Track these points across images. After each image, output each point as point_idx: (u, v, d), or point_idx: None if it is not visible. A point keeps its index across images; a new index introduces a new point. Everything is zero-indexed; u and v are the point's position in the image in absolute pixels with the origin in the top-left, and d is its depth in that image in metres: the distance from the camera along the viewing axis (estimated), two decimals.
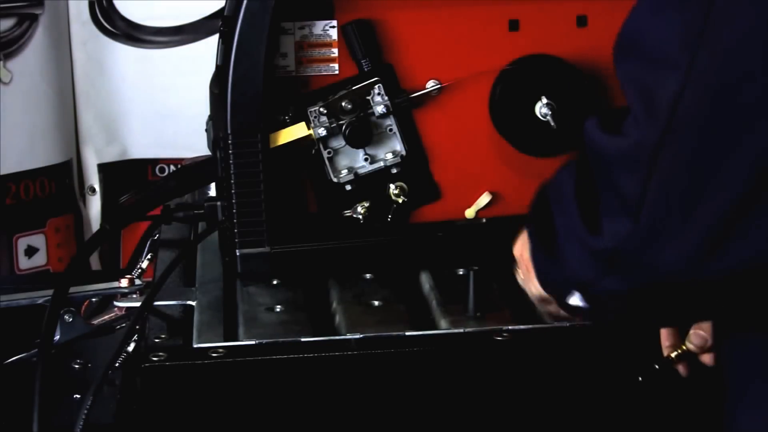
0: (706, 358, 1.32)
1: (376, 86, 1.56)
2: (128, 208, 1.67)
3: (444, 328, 1.44)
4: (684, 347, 1.32)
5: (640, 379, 1.33)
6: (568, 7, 1.58)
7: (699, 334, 1.31)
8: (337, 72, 1.57)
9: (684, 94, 0.99)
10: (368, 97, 1.56)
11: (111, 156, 2.94)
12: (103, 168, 2.93)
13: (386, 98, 1.56)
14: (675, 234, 1.02)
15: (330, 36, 1.56)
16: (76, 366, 1.58)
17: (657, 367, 1.33)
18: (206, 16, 2.82)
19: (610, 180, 1.07)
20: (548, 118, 1.54)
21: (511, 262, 1.34)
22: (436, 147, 1.59)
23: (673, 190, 1.02)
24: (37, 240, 2.80)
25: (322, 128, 1.55)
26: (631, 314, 1.16)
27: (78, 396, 1.51)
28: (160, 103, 2.88)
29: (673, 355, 1.33)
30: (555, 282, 1.19)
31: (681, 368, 1.34)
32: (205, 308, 1.50)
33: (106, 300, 1.71)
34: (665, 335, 1.34)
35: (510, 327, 1.42)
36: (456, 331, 1.42)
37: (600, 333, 1.37)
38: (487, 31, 1.57)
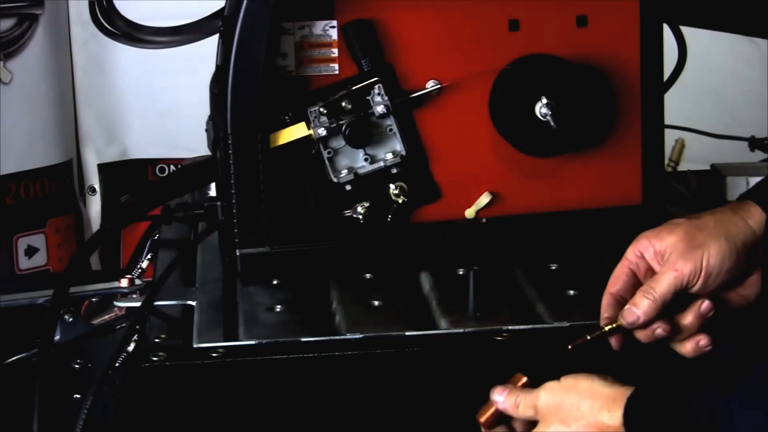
0: (640, 335, 1.32)
1: (376, 86, 1.56)
2: (128, 208, 1.67)
3: (444, 328, 1.44)
4: (617, 322, 1.32)
5: (569, 347, 1.32)
6: (568, 7, 1.58)
7: (632, 311, 1.31)
8: (337, 72, 1.57)
9: None
10: (368, 97, 1.56)
11: (111, 156, 2.94)
12: (103, 168, 2.94)
13: (386, 98, 1.56)
14: None
15: (330, 36, 1.56)
16: (76, 366, 1.58)
17: (588, 338, 1.32)
18: (206, 16, 2.82)
19: None
20: (548, 118, 1.54)
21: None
22: (436, 147, 1.59)
23: None
24: (37, 240, 2.81)
25: (322, 128, 1.55)
26: None
27: (78, 396, 1.51)
28: (160, 103, 2.88)
29: (606, 328, 1.32)
30: None
31: (613, 341, 1.33)
32: (205, 308, 1.50)
33: (106, 300, 1.71)
34: (605, 307, 1.34)
35: (510, 327, 1.42)
36: (456, 331, 1.42)
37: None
38: (487, 31, 1.57)
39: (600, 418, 1.21)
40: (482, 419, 1.30)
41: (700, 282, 1.30)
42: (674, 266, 1.30)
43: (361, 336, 1.40)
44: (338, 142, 1.57)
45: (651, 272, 1.34)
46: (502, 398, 1.29)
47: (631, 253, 1.36)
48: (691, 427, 1.16)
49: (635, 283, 1.34)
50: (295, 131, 1.56)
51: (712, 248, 1.30)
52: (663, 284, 1.30)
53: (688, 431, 1.16)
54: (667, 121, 1.67)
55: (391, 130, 1.58)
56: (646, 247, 1.34)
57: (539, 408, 1.26)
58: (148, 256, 1.81)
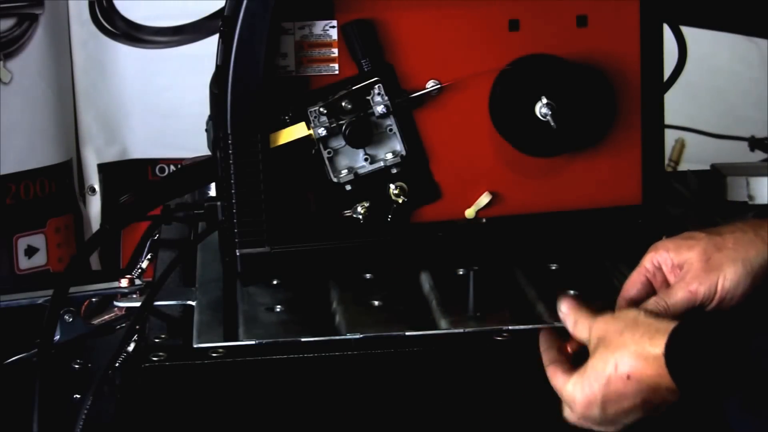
0: None
1: (376, 86, 1.56)
2: (128, 208, 1.67)
3: (444, 328, 1.44)
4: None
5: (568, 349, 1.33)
6: (568, 7, 1.58)
7: None
8: (337, 72, 1.57)
9: None
10: (368, 97, 1.56)
11: (111, 156, 2.94)
12: (103, 168, 2.94)
13: (386, 98, 1.56)
14: None
15: (330, 36, 1.56)
16: (76, 366, 1.58)
17: None
18: (206, 16, 2.82)
19: None
20: (548, 118, 1.54)
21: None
22: (436, 147, 1.59)
23: None
24: (37, 240, 2.80)
25: (322, 128, 1.55)
26: None
27: (78, 396, 1.51)
28: (160, 103, 2.88)
29: None
30: None
31: None
32: (205, 308, 1.50)
33: (106, 300, 1.70)
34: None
35: (510, 327, 1.42)
36: (456, 331, 1.42)
37: None
38: (487, 31, 1.57)
39: (642, 346, 1.21)
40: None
41: (714, 303, 1.30)
42: (689, 287, 1.30)
43: (361, 336, 1.40)
44: (338, 142, 1.57)
45: (667, 284, 1.34)
46: (566, 311, 1.31)
47: (649, 263, 1.36)
48: (733, 364, 1.15)
49: (650, 292, 1.35)
50: (295, 131, 1.56)
51: (728, 272, 1.30)
52: (677, 303, 1.30)
53: (729, 367, 1.16)
54: (667, 121, 1.67)
55: (391, 130, 1.58)
56: (665, 260, 1.34)
57: (592, 333, 1.27)
58: (148, 256, 1.81)
